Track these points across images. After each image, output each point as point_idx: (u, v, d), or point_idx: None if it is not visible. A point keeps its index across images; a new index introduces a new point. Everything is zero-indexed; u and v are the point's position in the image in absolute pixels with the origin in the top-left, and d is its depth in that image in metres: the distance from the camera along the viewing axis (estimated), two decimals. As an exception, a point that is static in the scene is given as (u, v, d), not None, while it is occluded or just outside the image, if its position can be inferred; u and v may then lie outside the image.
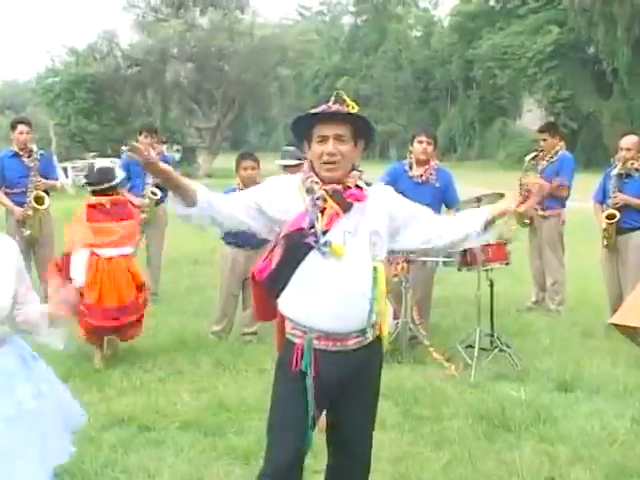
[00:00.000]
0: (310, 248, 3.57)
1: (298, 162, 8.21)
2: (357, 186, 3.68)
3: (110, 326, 7.48)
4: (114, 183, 7.70)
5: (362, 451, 3.91)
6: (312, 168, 3.71)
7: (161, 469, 5.19)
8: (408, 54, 64.77)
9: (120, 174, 7.91)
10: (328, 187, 3.62)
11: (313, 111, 3.65)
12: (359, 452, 3.90)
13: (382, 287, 3.64)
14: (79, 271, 7.34)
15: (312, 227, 3.56)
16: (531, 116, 49.68)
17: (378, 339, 3.81)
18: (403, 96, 64.51)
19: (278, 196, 3.69)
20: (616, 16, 44.24)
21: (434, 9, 70.50)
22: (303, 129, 3.71)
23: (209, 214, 3.59)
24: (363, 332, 3.67)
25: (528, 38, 51.23)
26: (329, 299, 3.57)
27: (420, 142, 8.30)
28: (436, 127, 58.58)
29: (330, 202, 3.58)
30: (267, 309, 3.92)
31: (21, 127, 9.72)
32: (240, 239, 8.09)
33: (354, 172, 3.71)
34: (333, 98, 3.66)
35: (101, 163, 8.80)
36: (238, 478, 5.05)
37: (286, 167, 8.62)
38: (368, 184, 3.79)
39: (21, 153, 9.68)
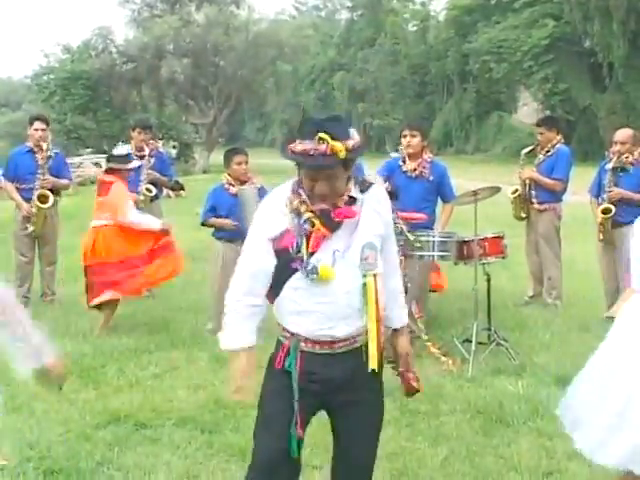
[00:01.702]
0: (296, 270, 3.50)
1: None
2: (350, 196, 3.54)
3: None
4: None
5: (361, 463, 3.79)
6: (300, 184, 3.57)
7: (157, 466, 5.18)
8: (404, 48, 64.73)
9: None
10: (316, 207, 3.48)
11: (297, 151, 3.42)
12: (358, 464, 3.78)
13: (372, 301, 3.55)
14: (152, 220, 8.74)
15: (299, 251, 3.49)
16: (527, 110, 49.77)
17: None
18: (399, 90, 64.47)
19: (269, 220, 3.59)
20: (611, 9, 44.20)
21: (430, 3, 70.71)
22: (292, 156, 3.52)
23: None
24: (352, 337, 3.61)
25: (524, 32, 51.12)
26: (316, 316, 3.53)
27: (404, 136, 8.28)
28: (432, 121, 58.67)
29: (317, 225, 3.48)
30: None
31: (37, 124, 9.93)
32: (230, 233, 8.09)
33: (349, 185, 3.57)
34: (317, 139, 3.36)
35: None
36: (234, 475, 5.02)
37: None
38: (366, 186, 3.65)
39: (35, 150, 9.82)
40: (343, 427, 3.74)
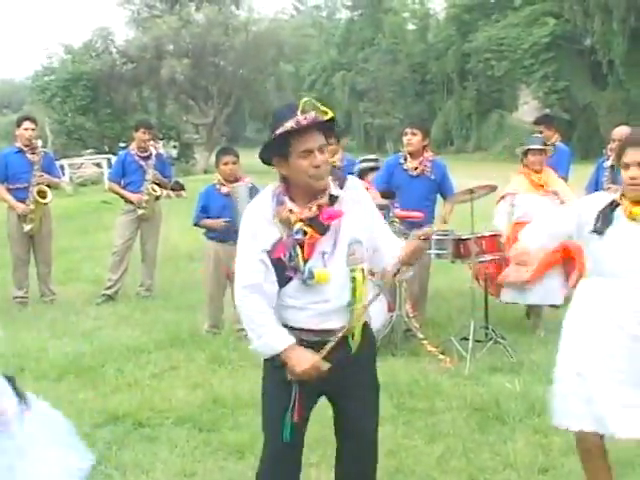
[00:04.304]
0: (291, 279, 3.59)
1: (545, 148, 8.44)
2: (331, 195, 3.62)
3: None
4: None
5: (369, 438, 3.92)
6: (278, 190, 3.65)
7: (155, 465, 5.21)
8: (404, 47, 64.57)
9: None
10: (304, 215, 3.56)
11: (293, 126, 3.48)
12: (366, 439, 3.90)
13: (360, 294, 3.65)
14: None
15: (292, 260, 3.56)
16: (527, 108, 49.61)
17: (365, 331, 3.82)
18: (399, 90, 64.31)
19: (258, 229, 3.64)
20: (611, 7, 44.12)
21: (429, 2, 70.39)
22: (276, 149, 3.60)
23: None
24: (344, 328, 3.68)
25: (524, 30, 51.05)
26: (311, 312, 3.64)
27: (405, 134, 8.36)
28: (432, 120, 58.44)
29: (310, 232, 3.56)
30: None
31: (26, 124, 9.96)
32: (222, 234, 8.11)
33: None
34: (301, 107, 3.51)
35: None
36: (232, 473, 5.05)
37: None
38: (343, 180, 3.73)
39: (25, 149, 9.86)
40: (346, 407, 3.84)
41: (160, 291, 10.59)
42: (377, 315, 7.68)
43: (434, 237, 7.83)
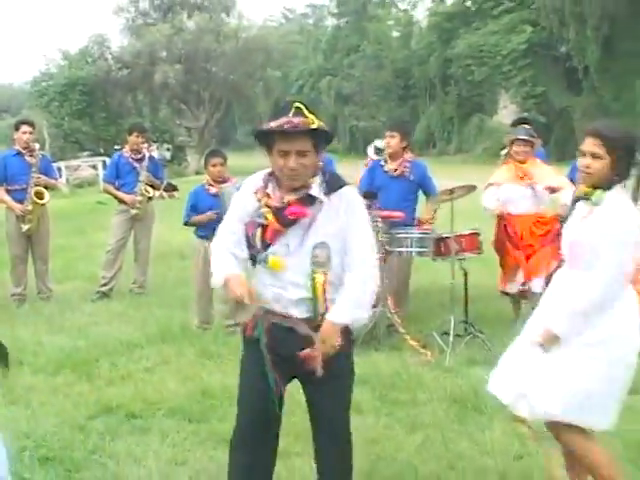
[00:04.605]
0: (254, 256, 3.73)
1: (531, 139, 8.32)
2: (309, 195, 3.66)
3: None
4: None
5: (338, 425, 3.94)
6: (271, 174, 3.76)
7: (146, 454, 5.21)
8: (388, 54, 64.61)
9: None
10: (272, 203, 3.67)
11: (273, 126, 3.57)
12: (334, 427, 3.93)
13: (318, 296, 3.67)
14: None
15: (252, 239, 3.70)
16: (506, 112, 49.68)
17: None
18: (384, 94, 64.38)
19: (243, 201, 3.82)
20: (586, 16, 44.27)
21: (412, 10, 70.36)
22: (264, 139, 3.68)
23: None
24: (307, 320, 3.73)
25: (503, 37, 51.26)
26: (273, 295, 3.72)
27: (385, 137, 8.38)
28: (416, 123, 58.60)
29: (270, 219, 3.65)
30: None
31: (24, 127, 9.96)
32: (212, 232, 8.10)
33: (315, 178, 3.71)
34: (293, 110, 3.57)
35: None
36: (220, 462, 5.02)
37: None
38: (335, 186, 3.74)
39: (23, 152, 9.85)
40: (313, 394, 3.90)
41: (152, 288, 10.58)
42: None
43: (416, 235, 7.87)
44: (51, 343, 7.96)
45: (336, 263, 3.70)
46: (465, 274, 8.04)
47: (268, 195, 3.69)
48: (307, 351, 3.63)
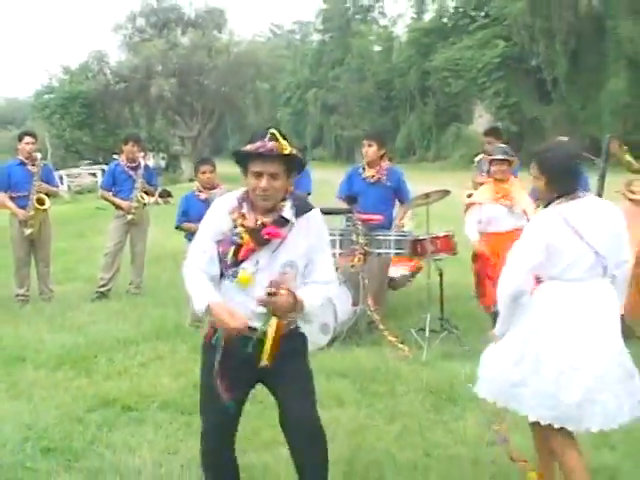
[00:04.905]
0: (224, 273, 3.74)
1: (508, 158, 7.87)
2: (282, 217, 3.70)
3: None
4: None
5: (306, 416, 3.85)
6: (246, 195, 3.77)
7: (142, 444, 5.22)
8: (370, 67, 64.67)
9: None
10: (248, 224, 3.68)
11: (250, 149, 3.62)
12: (302, 420, 3.83)
13: (270, 338, 3.60)
14: None
15: (226, 257, 3.70)
16: (482, 121, 49.78)
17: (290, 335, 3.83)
18: (366, 105, 64.42)
19: (216, 221, 3.80)
20: (554, 32, 44.60)
21: (393, 26, 70.44)
22: (241, 161, 3.71)
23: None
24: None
25: (477, 51, 51.49)
26: (238, 307, 3.64)
27: (362, 146, 8.41)
28: (397, 132, 58.80)
29: (246, 239, 3.67)
30: None
31: (27, 138, 10.00)
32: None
33: (285, 201, 3.74)
34: (268, 136, 3.60)
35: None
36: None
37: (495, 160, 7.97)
38: (303, 210, 3.79)
39: (26, 162, 9.87)
40: (280, 395, 3.88)
41: (148, 289, 10.57)
42: (343, 309, 7.75)
43: (393, 237, 7.90)
44: (52, 341, 7.95)
45: (299, 282, 3.76)
46: (440, 274, 8.08)
47: (243, 216, 3.71)
48: (263, 296, 3.59)
